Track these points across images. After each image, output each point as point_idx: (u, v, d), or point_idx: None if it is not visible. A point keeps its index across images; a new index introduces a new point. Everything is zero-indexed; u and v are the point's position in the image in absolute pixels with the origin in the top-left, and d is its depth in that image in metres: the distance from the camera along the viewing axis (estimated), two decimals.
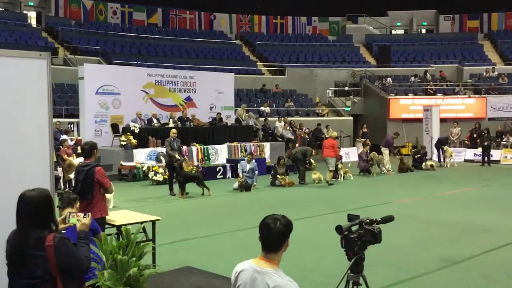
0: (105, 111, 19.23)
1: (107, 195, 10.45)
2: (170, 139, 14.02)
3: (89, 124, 18.84)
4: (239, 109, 22.82)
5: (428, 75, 29.17)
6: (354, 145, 24.28)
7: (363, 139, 22.30)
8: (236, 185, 14.83)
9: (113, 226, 6.31)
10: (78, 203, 5.63)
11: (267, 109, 24.97)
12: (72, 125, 19.43)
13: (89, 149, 6.28)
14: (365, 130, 24.26)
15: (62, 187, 13.09)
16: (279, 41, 34.67)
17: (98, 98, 19.10)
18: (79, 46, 26.52)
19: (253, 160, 15.45)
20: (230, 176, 17.53)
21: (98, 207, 6.10)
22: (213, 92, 22.39)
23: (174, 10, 34.57)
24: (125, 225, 5.62)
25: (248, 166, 15.10)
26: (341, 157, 18.74)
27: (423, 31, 39.65)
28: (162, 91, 21.03)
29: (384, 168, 19.17)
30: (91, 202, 6.06)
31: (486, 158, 21.51)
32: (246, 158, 15.79)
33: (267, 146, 20.45)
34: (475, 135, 23.46)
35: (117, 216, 6.75)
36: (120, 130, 18.46)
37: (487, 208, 12.01)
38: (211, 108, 22.38)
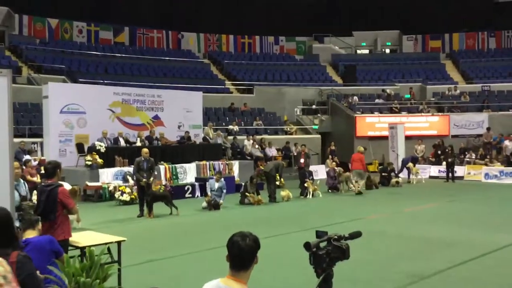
0: (70, 131, 18.86)
1: (73, 216, 10.22)
2: (139, 159, 13.71)
3: (53, 143, 18.42)
4: (206, 127, 22.77)
5: (390, 91, 29.68)
6: (323, 163, 24.47)
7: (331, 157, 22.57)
8: (204, 204, 14.71)
9: (77, 247, 6.12)
10: (40, 225, 5.45)
11: (236, 128, 24.97)
12: (35, 145, 18.96)
13: (52, 169, 6.11)
14: (333, 147, 24.53)
15: None
16: (247, 60, 34.92)
17: (63, 117, 18.74)
18: (44, 65, 26.05)
19: (222, 179, 15.36)
20: (199, 195, 17.38)
21: (61, 228, 5.91)
22: (181, 111, 22.27)
23: (142, 29, 34.45)
24: (89, 246, 5.46)
25: (216, 185, 15.00)
26: (311, 173, 18.92)
27: (387, 51, 40.60)
28: (129, 110, 20.79)
29: (352, 185, 19.34)
30: (54, 223, 5.88)
31: (450, 174, 22.00)
32: (215, 177, 15.69)
33: (235, 164, 20.40)
34: (439, 152, 23.98)
35: (81, 237, 6.56)
36: (86, 149, 18.12)
37: (452, 223, 12.22)
38: (179, 127, 22.23)
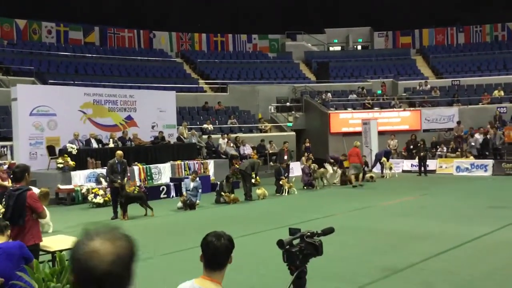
0: (41, 133, 18.51)
1: (44, 220, 10.03)
2: (113, 161, 13.58)
3: (23, 146, 18.05)
4: (180, 127, 22.62)
5: (364, 90, 30.10)
6: (298, 160, 24.58)
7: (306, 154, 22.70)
8: (180, 204, 14.61)
9: (48, 252, 6.00)
10: (9, 230, 5.33)
11: (210, 127, 24.89)
12: (5, 149, 18.53)
13: (20, 173, 5.96)
14: (307, 144, 24.68)
15: None
16: (220, 58, 34.81)
17: (33, 120, 18.38)
18: (12, 66, 25.51)
19: (197, 178, 15.28)
20: (174, 195, 17.27)
21: (30, 233, 5.78)
22: (154, 111, 22.06)
23: (112, 28, 33.98)
24: (60, 251, 5.36)
25: (192, 185, 14.91)
26: (286, 170, 19.03)
27: (359, 47, 41.03)
28: (101, 111, 20.49)
29: (326, 181, 19.50)
30: (23, 228, 5.74)
31: (422, 168, 22.34)
32: (190, 177, 15.59)
33: (211, 163, 20.33)
34: (411, 147, 24.33)
35: (52, 241, 6.43)
36: (57, 152, 17.80)
37: (425, 216, 12.42)
38: (153, 127, 22.03)
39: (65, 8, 34.25)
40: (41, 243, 6.00)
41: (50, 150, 18.15)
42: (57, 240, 6.72)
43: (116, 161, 13.51)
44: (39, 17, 31.56)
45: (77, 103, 19.76)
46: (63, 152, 17.22)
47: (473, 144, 23.35)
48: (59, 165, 16.78)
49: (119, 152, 13.86)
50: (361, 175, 19.46)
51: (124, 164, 13.75)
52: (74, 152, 17.06)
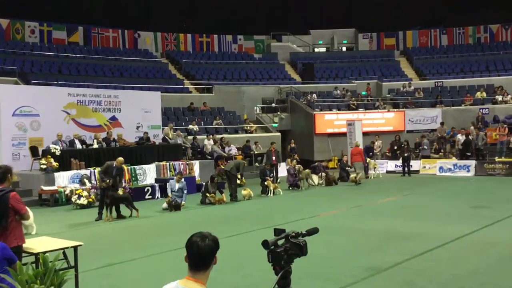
0: (23, 134, 18.31)
1: (28, 221, 9.93)
2: (111, 163, 13.53)
3: (5, 147, 17.84)
4: (165, 128, 22.54)
5: (348, 91, 30.30)
6: (283, 161, 24.63)
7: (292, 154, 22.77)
8: (165, 205, 14.55)
9: (31, 254, 5.94)
10: None
11: (196, 127, 24.83)
12: None
13: (2, 174, 5.89)
14: (293, 145, 24.75)
15: None
16: (206, 59, 34.75)
17: (16, 120, 18.18)
18: None
19: (183, 179, 15.23)
20: (159, 196, 17.22)
21: (13, 234, 5.71)
22: (139, 111, 21.96)
23: (96, 28, 33.73)
24: (44, 252, 5.31)
25: (177, 186, 14.87)
26: (272, 171, 19.07)
27: (344, 49, 41.26)
28: (85, 111, 20.34)
29: (312, 182, 19.57)
30: (6, 230, 5.67)
31: (406, 169, 22.56)
32: (175, 178, 15.54)
33: (196, 164, 20.28)
34: (395, 147, 24.54)
35: (36, 243, 6.37)
36: (40, 153, 17.61)
37: (409, 216, 12.54)
38: (137, 128, 21.92)
39: (49, 8, 33.92)
40: (24, 245, 5.94)
41: (33, 150, 17.97)
42: (40, 241, 6.65)
43: (114, 165, 13.46)
44: (22, 17, 31.20)
45: (61, 104, 19.59)
46: (46, 153, 17.04)
47: (425, 148, 23.93)
48: (42, 166, 16.60)
49: (121, 159, 13.75)
50: (361, 173, 20.10)
51: (120, 170, 13.73)
52: (58, 153, 16.89)
